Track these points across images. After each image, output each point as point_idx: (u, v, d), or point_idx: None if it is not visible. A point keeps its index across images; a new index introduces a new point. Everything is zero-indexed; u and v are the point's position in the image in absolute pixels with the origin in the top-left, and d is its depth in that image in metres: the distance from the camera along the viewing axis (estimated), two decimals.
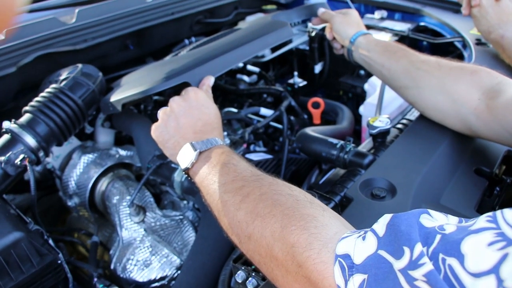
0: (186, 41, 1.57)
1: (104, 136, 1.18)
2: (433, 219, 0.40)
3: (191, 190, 0.91)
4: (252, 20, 1.66)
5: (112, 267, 0.95)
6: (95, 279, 0.86)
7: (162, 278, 0.91)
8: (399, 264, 0.37)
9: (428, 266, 0.35)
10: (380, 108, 1.04)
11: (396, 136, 0.94)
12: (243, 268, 0.64)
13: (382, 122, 0.91)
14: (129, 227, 0.98)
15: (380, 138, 0.93)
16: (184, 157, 0.71)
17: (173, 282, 0.91)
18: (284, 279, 0.50)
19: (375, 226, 0.42)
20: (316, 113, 1.26)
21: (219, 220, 0.63)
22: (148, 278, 0.91)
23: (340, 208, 0.73)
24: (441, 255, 0.35)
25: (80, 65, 1.04)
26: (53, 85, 0.95)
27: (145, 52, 1.48)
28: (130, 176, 1.12)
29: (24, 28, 1.16)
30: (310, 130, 1.00)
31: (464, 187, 0.79)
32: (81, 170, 1.06)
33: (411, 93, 0.89)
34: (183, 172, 0.72)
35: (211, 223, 0.83)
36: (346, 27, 1.07)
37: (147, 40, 1.42)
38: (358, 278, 0.40)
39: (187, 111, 0.76)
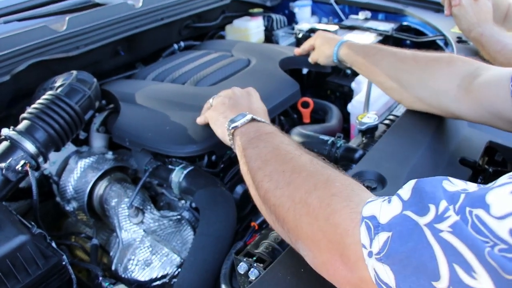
0: (175, 46, 1.60)
1: (99, 140, 1.20)
2: (454, 184, 0.41)
3: (189, 190, 0.94)
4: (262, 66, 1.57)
5: (113, 268, 0.97)
6: (100, 278, 0.88)
7: (163, 276, 0.93)
8: (424, 220, 0.39)
9: (454, 218, 0.37)
10: (367, 105, 1.08)
11: (384, 131, 0.98)
12: (245, 259, 0.67)
13: (370, 119, 0.96)
14: (129, 229, 1.00)
15: (369, 134, 0.98)
16: (236, 119, 0.76)
17: (174, 280, 0.94)
18: (309, 226, 0.52)
19: (400, 191, 0.44)
20: (306, 113, 1.29)
21: (255, 167, 0.66)
22: (149, 277, 0.93)
23: None
24: (467, 208, 0.37)
25: (74, 72, 1.06)
26: (50, 92, 0.97)
27: (136, 58, 1.50)
28: (127, 179, 1.14)
29: (16, 37, 1.17)
30: (301, 128, 1.04)
31: (450, 176, 0.83)
32: (78, 174, 1.08)
33: (396, 93, 0.93)
34: (231, 130, 0.75)
35: (211, 221, 0.86)
36: (323, 50, 1.14)
37: (137, 46, 1.45)
38: (383, 236, 0.41)
39: (246, 97, 0.87)
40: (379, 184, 0.77)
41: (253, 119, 0.75)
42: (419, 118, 0.96)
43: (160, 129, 0.95)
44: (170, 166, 0.98)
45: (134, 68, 1.51)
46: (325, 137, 0.96)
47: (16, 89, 1.17)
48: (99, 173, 1.07)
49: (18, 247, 0.73)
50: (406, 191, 0.44)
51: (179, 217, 1.04)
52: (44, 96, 0.97)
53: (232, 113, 0.79)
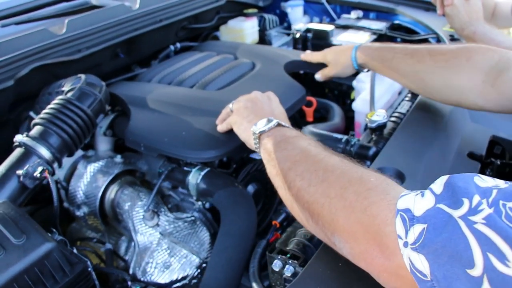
0: (171, 47, 1.59)
1: (105, 144, 1.19)
2: (485, 181, 0.44)
3: (207, 191, 0.94)
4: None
5: (131, 272, 0.97)
6: (129, 283, 0.88)
7: (183, 278, 0.94)
8: (458, 213, 0.41)
9: (488, 211, 0.39)
10: (373, 104, 1.11)
11: (394, 128, 1.01)
12: (279, 257, 0.69)
13: (379, 116, 0.99)
14: (144, 232, 1.00)
15: (378, 131, 1.00)
16: (262, 123, 0.78)
17: (194, 281, 0.94)
18: (346, 219, 0.54)
19: (432, 186, 0.47)
20: (309, 111, 1.32)
21: (285, 168, 0.67)
22: (170, 279, 0.94)
23: None
24: (501, 202, 0.39)
25: (82, 75, 1.04)
26: (61, 97, 0.96)
27: (134, 60, 1.49)
28: (136, 182, 1.14)
29: (17, 41, 1.15)
30: (312, 128, 1.06)
31: (461, 170, 0.87)
32: (88, 179, 1.07)
33: (426, 93, 0.97)
34: (257, 134, 0.77)
35: (233, 220, 0.87)
36: (341, 63, 1.14)
37: (136, 48, 1.44)
38: (418, 227, 0.44)
39: (267, 101, 0.90)
40: (398, 180, 0.80)
41: (278, 124, 0.77)
42: (426, 115, 1.00)
43: (176, 134, 0.96)
44: (185, 168, 0.99)
45: (130, 70, 1.50)
46: (339, 136, 0.98)
47: (18, 93, 1.15)
48: (110, 177, 1.07)
49: (45, 255, 0.72)
50: (438, 185, 0.46)
51: (193, 218, 1.04)
52: (55, 101, 0.95)
53: (257, 117, 0.81)
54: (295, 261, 0.67)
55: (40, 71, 1.16)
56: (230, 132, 0.91)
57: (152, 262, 0.96)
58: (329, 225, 0.58)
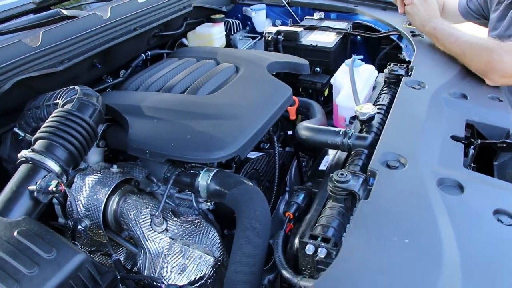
0: (142, 56, 1.59)
1: (96, 156, 1.17)
2: None
3: (219, 191, 0.97)
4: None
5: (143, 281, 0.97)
6: (163, 286, 0.88)
7: (201, 278, 0.95)
8: None
9: None
10: (357, 98, 1.19)
11: (381, 119, 1.10)
12: (311, 241, 0.74)
13: (368, 109, 1.07)
14: (154, 238, 1.01)
15: (368, 122, 1.09)
16: None
17: (210, 280, 0.97)
18: None
19: None
20: (292, 110, 1.37)
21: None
22: (187, 281, 0.95)
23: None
24: None
25: (77, 87, 1.03)
26: (61, 109, 0.94)
27: (110, 69, 1.47)
28: (134, 190, 1.13)
29: None
30: (307, 123, 1.12)
31: (449, 151, 0.97)
32: (87, 192, 1.05)
33: None
34: None
35: (251, 216, 0.90)
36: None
37: (112, 58, 1.42)
38: None
39: None
40: (400, 164, 0.88)
41: None
42: (410, 105, 1.10)
43: (181, 138, 0.97)
44: (192, 171, 1.00)
45: (102, 81, 1.48)
46: (336, 129, 1.05)
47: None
48: (111, 188, 1.06)
49: (78, 267, 0.72)
50: None
51: (198, 220, 1.06)
52: (56, 114, 0.94)
53: None
54: (327, 244, 0.73)
55: (21, 85, 1.12)
56: (235, 133, 0.95)
57: (167, 266, 0.97)
58: None
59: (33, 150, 0.87)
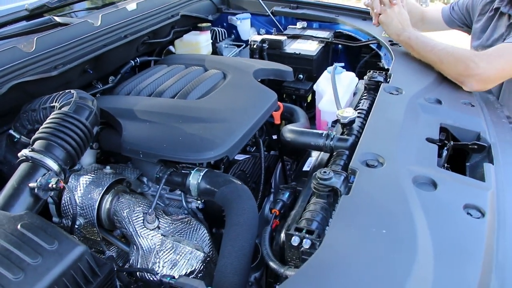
0: (132, 62, 1.64)
1: (89, 157, 1.22)
2: None
3: (209, 189, 1.02)
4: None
5: (138, 274, 1.01)
6: (158, 276, 0.92)
7: (191, 273, 1.00)
8: None
9: None
10: (339, 103, 1.26)
11: (362, 123, 1.17)
12: (296, 233, 0.80)
13: (349, 113, 1.14)
14: (146, 235, 1.05)
15: (349, 125, 1.16)
16: None
17: (200, 274, 1.02)
18: None
19: None
20: (277, 115, 1.44)
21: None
22: (178, 275, 1.00)
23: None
24: None
25: (73, 91, 1.07)
26: (58, 111, 0.99)
27: (101, 75, 1.51)
28: (127, 190, 1.18)
29: None
30: (291, 127, 1.19)
31: (424, 151, 1.04)
32: (82, 191, 1.09)
33: None
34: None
35: (239, 212, 0.95)
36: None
37: (103, 64, 1.47)
38: None
39: None
40: (379, 163, 0.95)
41: None
42: (388, 109, 1.17)
43: (173, 139, 1.03)
44: (184, 171, 1.06)
45: (92, 86, 1.52)
46: (319, 131, 1.12)
47: None
48: (105, 188, 1.10)
49: (78, 258, 0.76)
50: None
51: (187, 218, 1.11)
52: (53, 116, 0.98)
53: None
54: (311, 235, 0.79)
55: (17, 89, 1.16)
56: (224, 135, 1.01)
57: (159, 262, 1.02)
58: None
59: (33, 150, 0.91)
